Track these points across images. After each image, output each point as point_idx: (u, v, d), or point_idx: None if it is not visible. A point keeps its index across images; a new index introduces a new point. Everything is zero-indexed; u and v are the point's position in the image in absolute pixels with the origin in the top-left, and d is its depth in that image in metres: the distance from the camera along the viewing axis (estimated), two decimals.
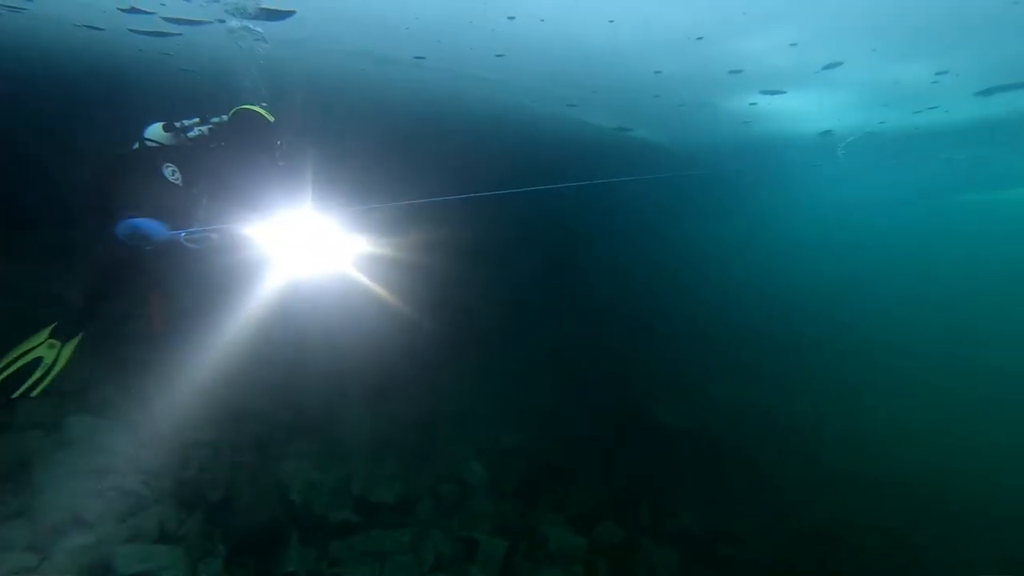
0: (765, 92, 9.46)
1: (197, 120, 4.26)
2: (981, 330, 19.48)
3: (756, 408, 12.47)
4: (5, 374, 3.68)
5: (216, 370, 6.49)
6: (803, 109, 10.32)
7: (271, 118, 4.45)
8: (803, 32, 6.89)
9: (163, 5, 6.67)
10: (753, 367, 14.65)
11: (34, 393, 3.69)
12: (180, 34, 7.63)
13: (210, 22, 6.95)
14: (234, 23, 6.64)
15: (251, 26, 6.71)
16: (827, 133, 12.16)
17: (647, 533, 8.02)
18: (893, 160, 14.98)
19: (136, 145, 4.02)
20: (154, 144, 4.02)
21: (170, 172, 3.90)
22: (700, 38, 7.13)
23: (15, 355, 3.73)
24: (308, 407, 8.16)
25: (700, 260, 21.01)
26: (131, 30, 7.59)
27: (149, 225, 3.52)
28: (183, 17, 6.97)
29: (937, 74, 8.47)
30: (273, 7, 6.46)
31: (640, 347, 14.39)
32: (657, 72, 8.43)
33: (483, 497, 7.84)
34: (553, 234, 17.60)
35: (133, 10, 6.81)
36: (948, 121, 10.94)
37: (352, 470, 7.31)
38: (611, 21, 6.68)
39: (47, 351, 3.75)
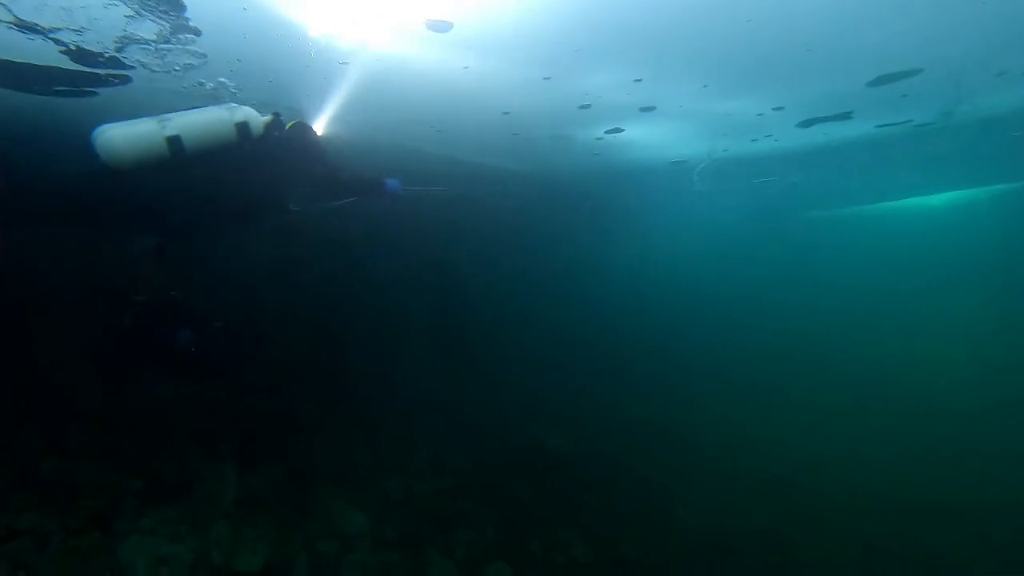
0: (609, 131, 10.12)
1: None
2: (839, 334, 21.23)
3: (642, 423, 12.87)
4: None
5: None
6: (653, 140, 10.99)
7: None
8: (642, 70, 7.36)
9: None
10: (635, 383, 15.18)
11: None
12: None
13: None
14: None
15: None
16: (680, 161, 13.03)
17: (538, 568, 7.96)
18: (743, 183, 16.28)
19: None
20: None
21: None
22: (547, 78, 7.45)
23: None
24: (163, 469, 7.45)
25: (577, 283, 21.60)
26: None
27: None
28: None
29: (760, 111, 9.40)
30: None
31: (526, 375, 14.50)
32: (506, 112, 8.70)
33: (366, 550, 7.47)
34: (425, 269, 17.47)
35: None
36: (779, 148, 12.13)
37: (214, 537, 6.72)
38: (465, 67, 6.87)
39: None
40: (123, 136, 3.88)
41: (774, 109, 9.58)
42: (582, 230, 21.04)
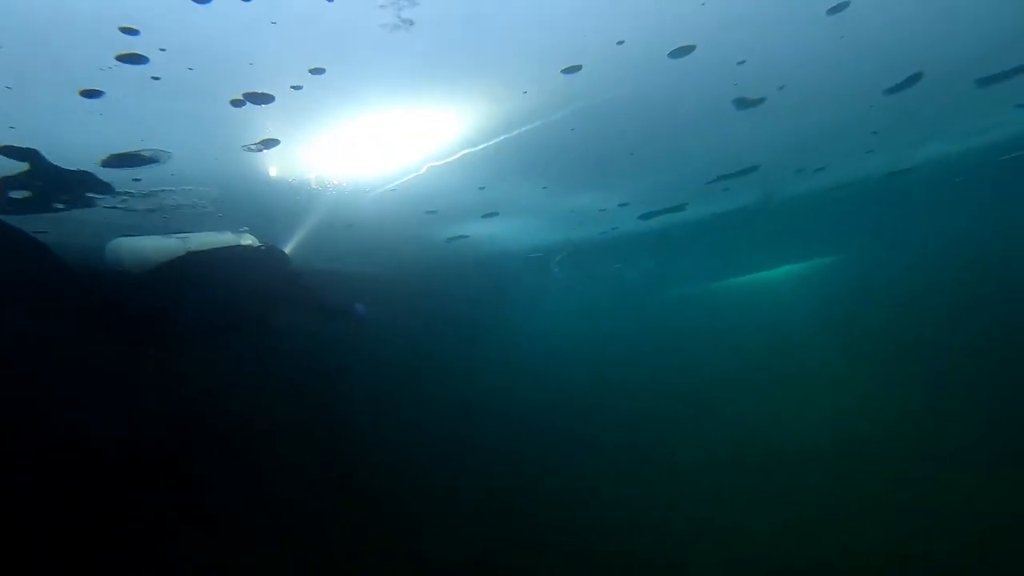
0: (452, 238, 10.40)
1: None
2: (698, 403, 21.87)
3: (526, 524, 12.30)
4: None
5: None
6: (508, 235, 11.22)
7: None
8: (484, 176, 7.50)
9: None
10: (514, 477, 14.67)
11: None
12: None
13: None
14: None
15: None
16: (537, 256, 13.40)
17: None
18: (601, 270, 17.05)
19: None
20: None
21: None
22: (393, 190, 7.39)
23: None
24: None
25: (447, 379, 21.17)
26: None
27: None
28: None
29: (602, 206, 9.99)
30: None
31: (398, 478, 13.61)
32: (349, 225, 8.55)
33: None
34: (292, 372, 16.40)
35: None
36: (628, 237, 12.89)
37: None
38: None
39: None
40: (153, 247, 4.51)
41: (620, 205, 10.21)
42: (447, 331, 21.13)
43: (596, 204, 9.95)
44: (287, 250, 5.89)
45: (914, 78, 6.83)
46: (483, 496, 12.79)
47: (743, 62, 5.44)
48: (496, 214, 9.38)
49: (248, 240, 5.12)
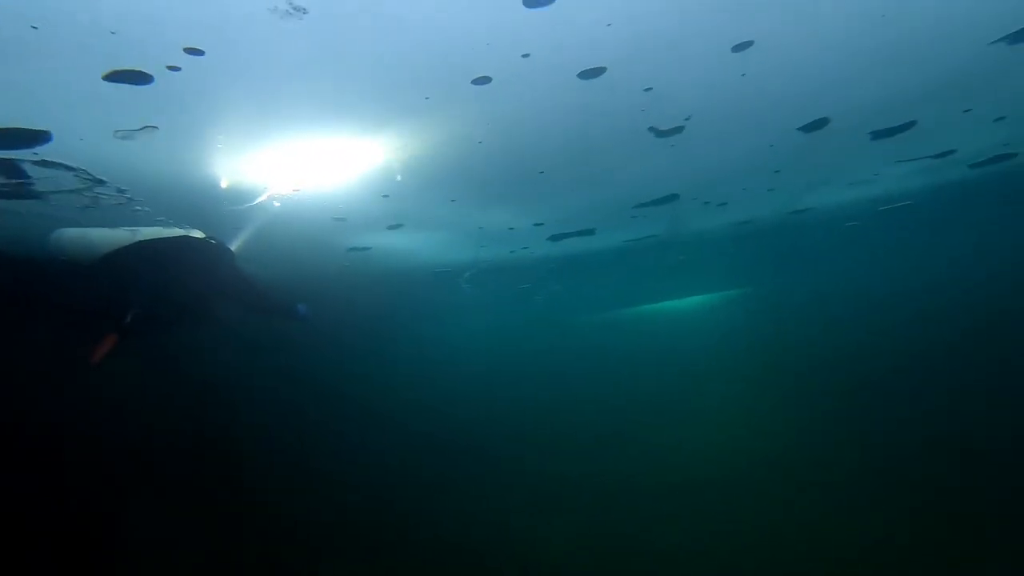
0: (353, 249, 10.02)
1: None
2: (604, 429, 21.83)
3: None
4: None
5: None
6: (410, 248, 10.83)
7: None
8: (388, 184, 7.12)
9: None
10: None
11: None
12: None
13: None
14: None
15: None
16: (446, 271, 13.07)
17: None
18: (509, 289, 16.90)
19: None
20: None
21: None
22: (297, 190, 6.88)
23: None
24: None
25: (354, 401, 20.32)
26: None
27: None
28: None
29: (511, 225, 9.81)
30: None
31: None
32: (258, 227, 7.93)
33: None
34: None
35: None
36: (536, 258, 12.80)
37: None
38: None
39: None
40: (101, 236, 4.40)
41: (533, 225, 10.08)
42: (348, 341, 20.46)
43: (506, 222, 9.76)
44: (232, 248, 5.66)
45: (820, 122, 7.11)
46: (371, 512, 12.19)
47: (650, 89, 5.40)
48: (401, 226, 9.00)
49: (197, 234, 5.02)
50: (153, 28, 3.65)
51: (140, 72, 4.08)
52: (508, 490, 13.42)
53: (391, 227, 8.98)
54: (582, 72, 4.89)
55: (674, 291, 28.92)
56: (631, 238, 12.41)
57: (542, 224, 10.20)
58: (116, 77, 4.11)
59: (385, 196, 7.53)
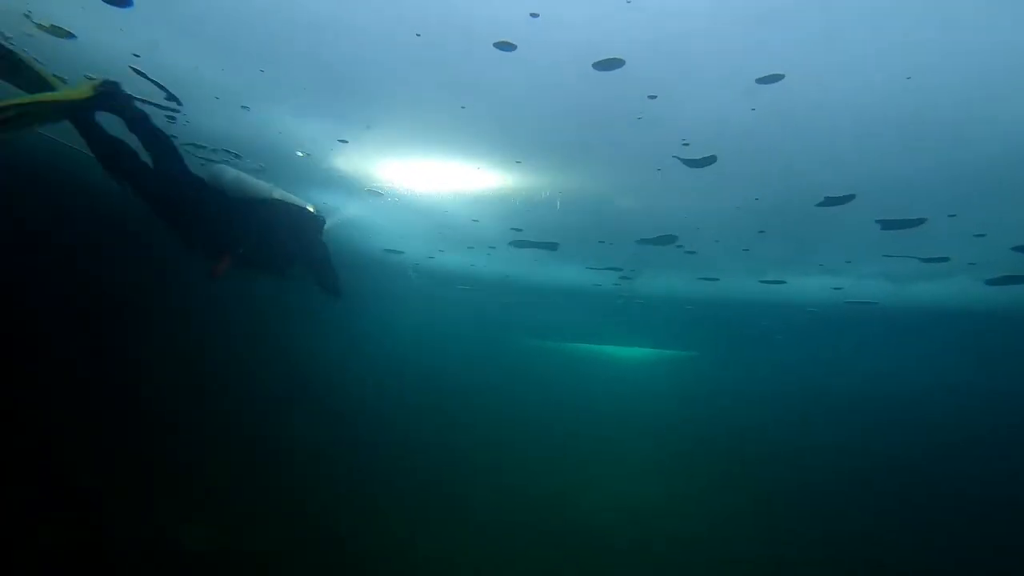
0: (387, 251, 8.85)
1: None
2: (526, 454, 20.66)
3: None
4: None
5: None
6: (367, 222, 9.97)
7: None
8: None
9: None
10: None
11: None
12: None
13: None
14: None
15: None
16: (395, 251, 12.18)
17: None
18: (457, 288, 16.05)
19: None
20: None
21: None
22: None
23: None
24: None
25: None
26: None
27: None
28: None
29: (474, 217, 9.04)
30: None
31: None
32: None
33: None
34: None
35: None
36: (492, 263, 12.09)
37: None
38: None
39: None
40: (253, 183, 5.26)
41: (513, 229, 9.48)
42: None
43: (466, 214, 8.95)
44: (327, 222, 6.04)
45: (845, 198, 6.71)
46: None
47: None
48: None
49: (310, 207, 5.64)
50: None
51: None
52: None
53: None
54: (598, 63, 4.16)
55: (615, 337, 28.60)
56: (594, 266, 11.79)
57: (521, 229, 9.47)
58: None
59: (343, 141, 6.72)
